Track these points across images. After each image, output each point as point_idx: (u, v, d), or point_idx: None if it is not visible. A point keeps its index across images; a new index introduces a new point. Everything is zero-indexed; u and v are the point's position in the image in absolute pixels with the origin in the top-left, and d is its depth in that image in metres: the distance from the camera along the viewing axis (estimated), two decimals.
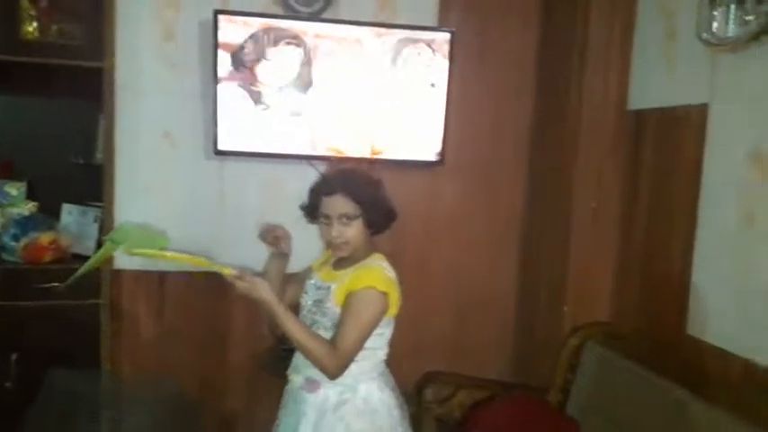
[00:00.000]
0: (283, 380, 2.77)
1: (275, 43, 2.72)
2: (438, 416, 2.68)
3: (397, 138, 2.88)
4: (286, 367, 2.67)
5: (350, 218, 1.71)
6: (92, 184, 2.88)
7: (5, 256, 2.74)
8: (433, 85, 2.83)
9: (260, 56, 2.71)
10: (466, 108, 2.98)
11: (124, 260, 2.78)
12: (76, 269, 2.70)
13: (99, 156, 2.99)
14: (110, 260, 2.66)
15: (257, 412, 2.99)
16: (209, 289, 2.88)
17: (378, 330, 1.72)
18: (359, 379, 1.74)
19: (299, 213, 2.86)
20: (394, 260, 3.03)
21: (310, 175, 2.85)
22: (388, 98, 2.83)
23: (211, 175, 2.84)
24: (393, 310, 1.75)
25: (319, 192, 1.79)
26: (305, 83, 2.77)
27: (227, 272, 1.67)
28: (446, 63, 2.82)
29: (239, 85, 2.72)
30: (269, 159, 2.86)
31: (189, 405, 2.81)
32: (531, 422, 2.46)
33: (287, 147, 2.81)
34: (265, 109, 2.76)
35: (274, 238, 1.93)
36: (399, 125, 2.86)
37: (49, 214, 2.99)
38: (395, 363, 3.04)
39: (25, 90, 3.06)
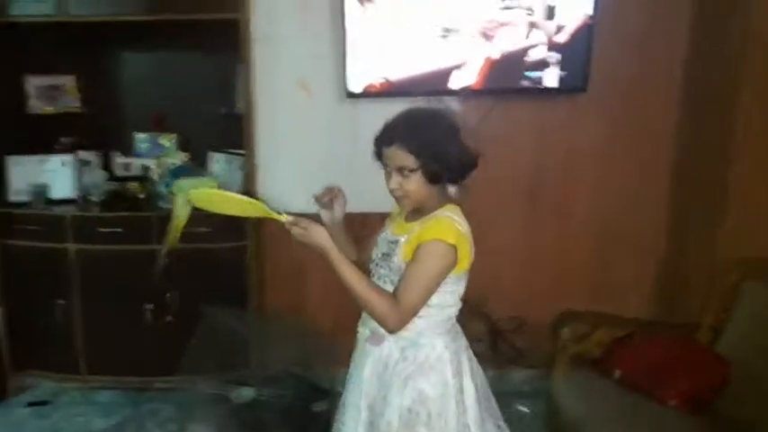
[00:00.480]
0: None
1: None
2: (575, 354, 2.58)
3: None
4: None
5: (408, 170, 1.55)
6: (236, 133, 3.02)
7: (162, 204, 2.97)
8: None
9: None
10: (612, 29, 2.75)
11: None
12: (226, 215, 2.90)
13: (239, 106, 3.11)
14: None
15: None
16: (347, 227, 2.95)
17: (448, 288, 1.57)
18: (424, 334, 1.61)
19: None
20: (531, 195, 3.00)
21: None
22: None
23: (344, 118, 2.87)
24: (464, 264, 1.56)
25: (379, 141, 1.65)
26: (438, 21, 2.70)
27: (284, 218, 1.57)
28: None
29: (367, 26, 2.71)
30: (401, 99, 2.83)
31: (323, 340, 2.93)
32: (678, 360, 2.28)
33: (418, 84, 2.77)
34: (396, 46, 2.73)
35: (330, 200, 1.82)
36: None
37: (198, 163, 3.18)
38: (531, 300, 3.05)
39: (172, 46, 3.24)
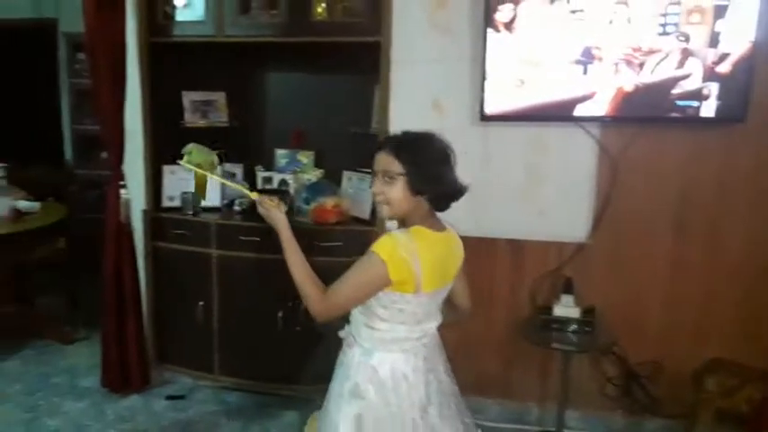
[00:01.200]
0: (544, 348, 2.71)
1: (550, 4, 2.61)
2: (720, 409, 2.36)
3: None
4: (547, 339, 2.62)
5: (392, 176, 1.60)
6: (368, 153, 3.07)
7: (298, 218, 3.10)
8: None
9: (530, 19, 2.63)
10: None
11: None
12: (356, 230, 2.96)
13: (375, 126, 3.19)
14: None
15: (513, 376, 2.99)
16: (472, 253, 2.90)
17: (396, 305, 1.61)
18: (376, 347, 1.67)
19: (568, 178, 2.79)
20: (678, 228, 2.79)
21: (580, 139, 2.74)
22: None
23: (476, 141, 2.85)
24: (407, 287, 1.57)
25: (376, 147, 1.71)
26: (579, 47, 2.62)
27: (254, 195, 1.82)
28: None
29: (506, 49, 2.68)
30: (535, 123, 2.78)
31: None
32: None
33: (554, 109, 2.69)
34: (532, 72, 2.68)
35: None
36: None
37: (332, 180, 3.30)
38: (673, 343, 2.84)
39: (315, 66, 3.40)
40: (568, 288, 2.73)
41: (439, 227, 1.70)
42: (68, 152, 5.24)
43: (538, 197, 2.83)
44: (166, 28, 3.14)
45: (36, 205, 3.75)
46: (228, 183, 2.10)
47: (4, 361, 3.53)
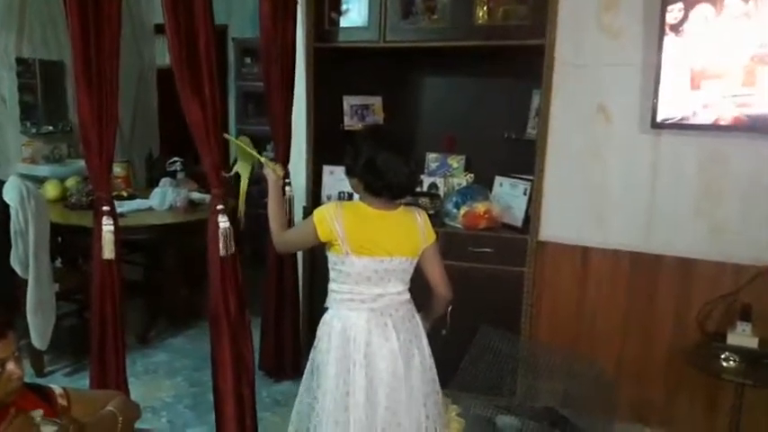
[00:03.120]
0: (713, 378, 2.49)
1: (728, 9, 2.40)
2: None
3: None
4: (718, 369, 2.40)
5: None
6: (522, 158, 3.03)
7: (448, 221, 3.10)
8: None
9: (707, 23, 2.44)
10: None
11: (549, 232, 2.87)
12: (507, 238, 2.91)
13: (530, 131, 3.12)
14: None
15: (676, 405, 2.77)
16: (635, 268, 2.76)
17: (336, 266, 1.93)
18: (332, 305, 1.98)
19: (749, 195, 2.53)
20: None
21: (766, 151, 2.48)
22: None
23: (646, 149, 2.68)
24: (334, 247, 1.89)
25: None
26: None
27: (262, 159, 2.24)
28: None
29: (681, 54, 2.49)
30: (712, 132, 2.56)
31: (603, 385, 2.76)
32: None
33: (735, 118, 2.46)
34: (713, 79, 2.47)
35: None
36: None
37: (483, 185, 3.26)
38: None
39: (471, 71, 3.39)
40: (746, 315, 2.48)
41: (387, 207, 1.93)
42: (234, 150, 5.65)
43: (713, 213, 2.60)
44: (331, 34, 3.28)
45: (207, 197, 4.08)
46: (250, 150, 2.33)
47: (174, 337, 3.89)
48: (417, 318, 2.06)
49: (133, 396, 2.87)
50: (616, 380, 2.79)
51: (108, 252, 2.23)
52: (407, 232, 1.96)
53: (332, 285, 1.97)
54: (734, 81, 2.45)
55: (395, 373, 1.88)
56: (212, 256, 2.42)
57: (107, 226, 2.22)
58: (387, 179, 1.86)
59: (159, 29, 5.41)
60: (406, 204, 2.04)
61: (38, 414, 1.43)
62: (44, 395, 1.57)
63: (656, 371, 2.79)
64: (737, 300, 2.56)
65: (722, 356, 2.44)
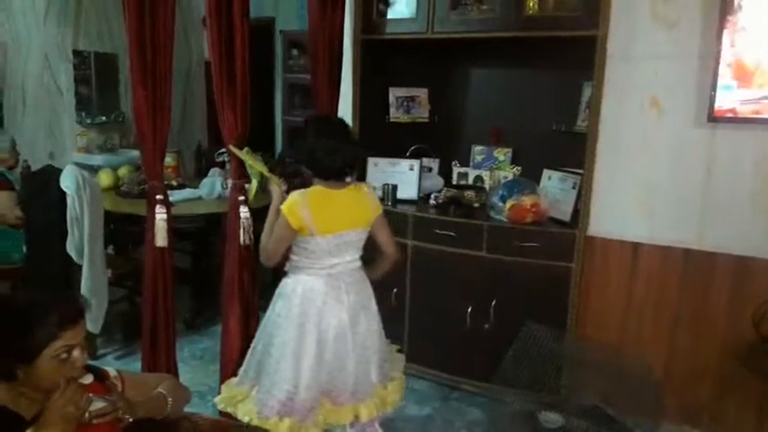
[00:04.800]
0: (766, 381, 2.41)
1: None
2: None
3: None
4: None
5: None
6: (571, 151, 2.97)
7: (493, 214, 3.07)
8: None
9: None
10: None
11: (598, 227, 2.82)
12: (555, 233, 2.87)
13: (580, 123, 3.05)
14: None
15: (726, 407, 2.69)
16: (687, 266, 2.69)
17: (301, 244, 2.14)
18: (292, 271, 2.21)
19: None
20: None
21: None
22: None
23: (700, 143, 2.60)
24: (303, 231, 2.09)
25: None
26: None
27: (267, 174, 2.37)
28: None
29: (740, 46, 2.41)
30: None
31: (651, 385, 2.70)
32: None
33: None
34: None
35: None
36: None
37: (530, 178, 3.22)
38: None
39: (518, 62, 3.34)
40: None
41: (339, 186, 2.17)
42: (279, 142, 5.73)
43: None
44: (379, 25, 3.28)
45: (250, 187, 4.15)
46: (254, 162, 2.44)
47: (221, 324, 3.96)
48: (368, 282, 2.32)
49: (182, 380, 2.97)
50: (664, 380, 2.73)
51: (161, 239, 2.30)
52: (360, 206, 2.23)
53: (293, 257, 2.19)
54: None
55: (342, 327, 2.16)
56: (231, 244, 2.50)
57: (160, 214, 2.28)
58: (330, 164, 2.13)
59: None
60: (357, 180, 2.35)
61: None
62: (100, 376, 1.62)
63: (706, 372, 2.71)
64: None
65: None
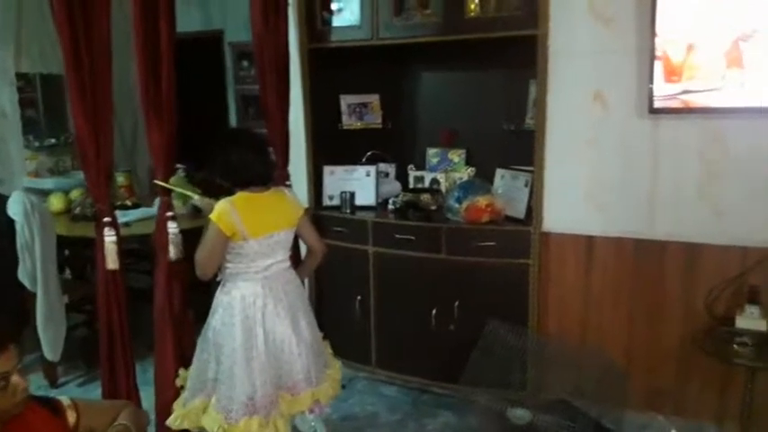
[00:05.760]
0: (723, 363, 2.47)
1: None
2: None
3: None
4: (728, 353, 2.39)
5: None
6: (522, 149, 3.00)
7: (450, 216, 3.09)
8: None
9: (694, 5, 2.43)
10: None
11: (552, 223, 2.86)
12: (510, 231, 2.90)
13: (529, 121, 3.09)
14: None
15: (687, 391, 2.76)
16: (639, 255, 2.74)
17: (234, 250, 2.18)
18: (227, 279, 2.25)
19: (753, 176, 2.51)
20: None
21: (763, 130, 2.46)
22: None
23: (645, 135, 2.66)
24: (236, 237, 2.13)
25: None
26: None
27: (197, 196, 2.40)
28: None
29: (674, 38, 2.48)
30: (713, 115, 2.53)
31: (614, 375, 2.75)
32: None
33: (736, 99, 2.44)
34: (708, 60, 2.45)
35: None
36: None
37: (484, 178, 3.25)
38: None
39: (466, 64, 3.37)
40: (754, 298, 2.46)
41: (260, 191, 2.24)
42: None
43: (716, 196, 2.58)
44: (324, 34, 3.27)
45: (212, 202, 4.09)
46: (181, 190, 2.60)
47: None
48: (299, 280, 2.43)
49: (144, 404, 2.90)
50: (626, 369, 2.78)
51: (111, 262, 2.25)
52: (284, 208, 2.32)
53: (228, 265, 2.23)
54: (722, 63, 2.43)
55: (285, 325, 2.24)
56: (161, 260, 2.46)
57: (109, 237, 2.24)
58: (247, 173, 2.21)
59: None
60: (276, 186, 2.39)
61: None
62: (53, 407, 1.58)
63: (666, 358, 2.77)
64: (745, 283, 2.54)
65: (731, 340, 2.43)
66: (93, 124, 2.15)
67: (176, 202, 2.60)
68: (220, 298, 2.27)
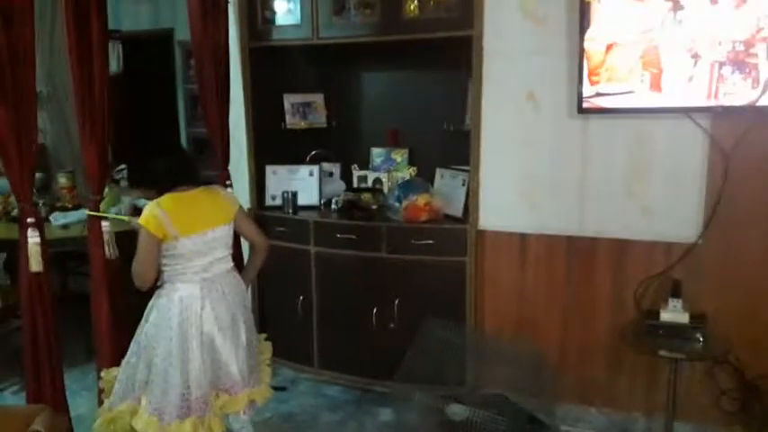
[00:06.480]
0: (650, 355, 2.55)
1: None
2: None
3: None
4: (653, 345, 2.46)
5: None
6: (462, 149, 3.04)
7: (391, 215, 3.11)
8: None
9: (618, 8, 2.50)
10: None
11: (488, 221, 2.90)
12: (448, 229, 2.93)
13: (468, 122, 3.13)
14: None
15: (618, 384, 2.83)
16: (571, 252, 2.81)
17: (168, 251, 2.15)
18: (165, 281, 2.22)
19: (675, 174, 2.59)
20: None
21: (687, 131, 2.54)
22: None
23: (574, 134, 2.72)
24: (167, 238, 2.11)
25: None
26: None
27: (126, 219, 2.41)
28: None
29: (598, 40, 2.55)
30: (637, 115, 2.61)
31: (547, 369, 2.81)
32: None
33: (659, 100, 2.51)
34: (632, 60, 2.52)
35: None
36: None
37: (425, 178, 3.28)
38: None
39: (409, 64, 3.40)
40: (677, 292, 2.53)
41: (188, 189, 2.22)
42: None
43: (642, 194, 2.66)
44: (266, 32, 3.26)
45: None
46: (114, 216, 2.61)
47: None
48: (240, 280, 2.39)
49: (84, 410, 2.85)
50: (560, 363, 2.85)
51: (35, 264, 2.21)
52: (217, 204, 2.29)
53: (165, 268, 2.20)
54: (640, 65, 2.51)
55: (223, 328, 2.23)
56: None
57: (33, 238, 2.19)
58: (166, 177, 2.21)
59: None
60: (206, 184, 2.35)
61: None
62: None
63: (597, 351, 2.84)
64: (669, 277, 2.62)
65: (656, 333, 2.50)
66: (16, 124, 2.10)
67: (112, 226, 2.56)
68: (156, 301, 2.24)
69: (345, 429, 2.95)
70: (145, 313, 2.25)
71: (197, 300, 2.18)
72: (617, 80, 2.55)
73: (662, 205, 2.63)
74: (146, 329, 2.22)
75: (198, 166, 2.37)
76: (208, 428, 2.19)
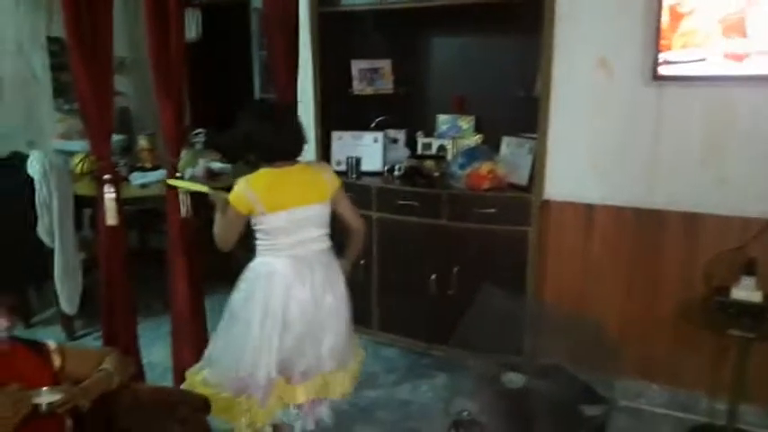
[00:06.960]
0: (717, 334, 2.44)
1: None
2: None
3: None
4: (722, 323, 2.35)
5: None
6: (531, 116, 2.97)
7: (453, 183, 3.10)
8: None
9: None
10: None
11: (554, 190, 2.84)
12: (511, 197, 2.89)
13: (538, 89, 3.05)
14: None
15: (681, 362, 2.74)
16: (639, 224, 2.71)
17: (257, 225, 2.15)
18: (257, 254, 2.21)
19: (757, 145, 2.43)
20: None
21: None
22: None
23: (648, 102, 2.61)
24: (254, 212, 2.10)
25: None
26: None
27: (206, 189, 2.25)
28: None
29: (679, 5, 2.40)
30: (717, 83, 2.46)
31: (608, 344, 2.74)
32: None
33: (741, 68, 2.36)
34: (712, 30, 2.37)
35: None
36: None
37: (491, 146, 3.23)
38: None
39: (477, 29, 3.33)
40: (751, 269, 2.40)
41: (286, 165, 2.16)
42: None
43: (719, 166, 2.52)
44: None
45: (228, 167, 4.19)
46: (192, 187, 2.45)
47: None
48: (336, 264, 2.30)
49: (157, 358, 3.04)
50: (622, 336, 2.78)
51: (111, 218, 2.35)
52: (312, 182, 2.21)
53: (258, 241, 2.20)
54: (728, 32, 2.36)
55: (305, 310, 2.15)
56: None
57: (108, 194, 2.33)
58: (269, 148, 2.14)
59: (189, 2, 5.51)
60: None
61: (39, 394, 1.54)
62: (38, 349, 1.69)
63: (661, 327, 2.74)
64: (744, 254, 2.48)
65: (726, 311, 2.39)
66: (95, 85, 2.22)
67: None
68: (247, 271, 2.22)
69: (401, 390, 3.01)
70: (237, 282, 2.24)
71: (284, 277, 2.13)
72: (694, 45, 2.41)
73: (740, 178, 2.49)
74: (236, 299, 2.21)
75: (305, 137, 2.26)
76: (254, 414, 2.17)
